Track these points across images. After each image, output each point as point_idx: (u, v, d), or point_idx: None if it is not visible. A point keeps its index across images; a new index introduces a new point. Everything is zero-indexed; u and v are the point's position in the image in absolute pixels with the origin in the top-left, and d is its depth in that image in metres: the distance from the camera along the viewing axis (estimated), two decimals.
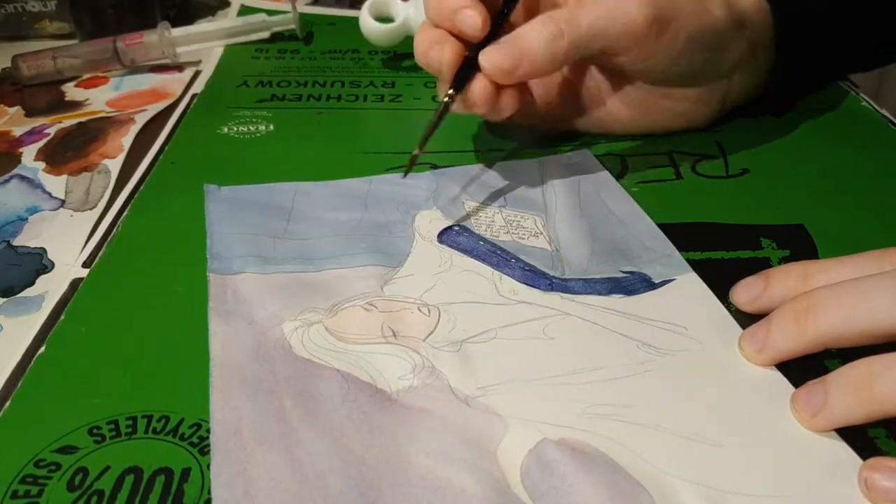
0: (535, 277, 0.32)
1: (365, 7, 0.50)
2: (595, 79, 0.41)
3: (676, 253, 0.33)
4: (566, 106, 0.41)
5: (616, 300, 0.31)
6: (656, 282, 0.32)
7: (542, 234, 0.35)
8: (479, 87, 0.34)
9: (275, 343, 0.28)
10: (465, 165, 0.40)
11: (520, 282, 0.32)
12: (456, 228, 0.35)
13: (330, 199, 0.37)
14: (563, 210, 0.36)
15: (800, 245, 0.34)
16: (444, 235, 0.35)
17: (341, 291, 0.31)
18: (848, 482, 0.23)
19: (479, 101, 0.35)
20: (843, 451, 0.24)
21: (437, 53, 0.35)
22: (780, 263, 0.33)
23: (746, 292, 0.30)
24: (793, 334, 0.27)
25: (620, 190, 0.38)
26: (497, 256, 0.33)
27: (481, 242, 0.34)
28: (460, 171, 0.40)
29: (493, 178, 0.39)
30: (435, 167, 0.40)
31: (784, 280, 0.29)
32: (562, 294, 0.31)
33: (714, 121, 0.43)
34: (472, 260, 0.33)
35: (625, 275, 0.32)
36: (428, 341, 0.29)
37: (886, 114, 0.45)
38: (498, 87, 0.35)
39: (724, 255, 0.34)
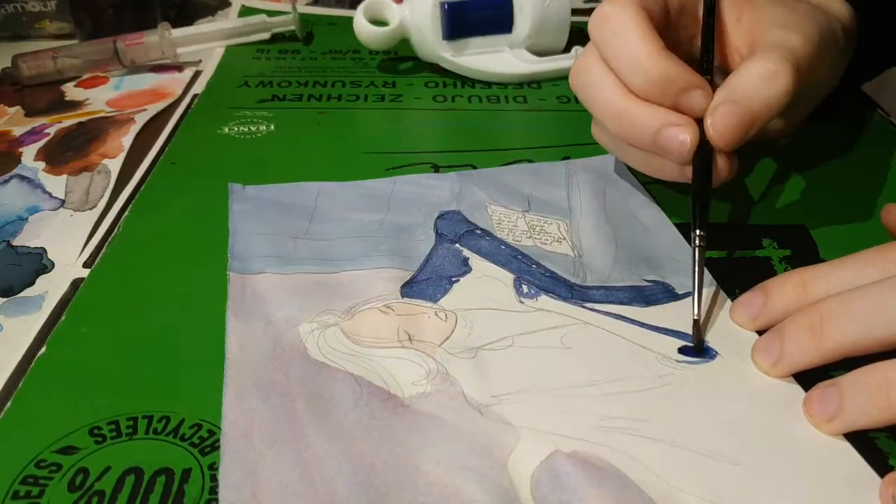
0: (555, 284, 0.32)
1: (359, 10, 0.50)
2: None
3: None
4: None
5: (637, 311, 0.30)
6: (679, 293, 0.31)
7: (565, 239, 0.34)
8: (723, 165, 0.32)
9: (290, 345, 0.28)
10: (490, 168, 0.40)
11: (540, 288, 0.31)
12: (478, 232, 0.35)
13: (353, 199, 0.37)
14: (587, 215, 0.36)
15: (801, 244, 0.34)
16: (466, 239, 0.34)
17: (359, 293, 0.31)
18: (868, 501, 0.23)
19: (725, 176, 0.32)
20: (864, 471, 0.24)
21: (675, 135, 0.31)
22: (781, 262, 0.33)
23: (746, 311, 0.29)
24: (809, 347, 0.26)
25: (647, 197, 0.37)
26: (518, 262, 0.33)
27: (503, 247, 0.34)
28: (485, 174, 0.39)
29: (517, 182, 0.39)
30: (436, 168, 0.40)
31: (781, 292, 0.29)
32: (582, 302, 0.31)
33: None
34: (493, 265, 0.33)
35: (647, 283, 0.32)
36: (443, 347, 0.28)
37: (887, 113, 0.45)
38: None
39: (725, 255, 0.33)
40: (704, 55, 0.35)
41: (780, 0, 0.35)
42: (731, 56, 0.35)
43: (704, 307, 0.30)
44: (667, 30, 0.34)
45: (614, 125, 0.33)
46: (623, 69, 0.32)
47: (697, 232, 0.30)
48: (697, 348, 0.28)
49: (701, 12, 0.36)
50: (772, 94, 0.31)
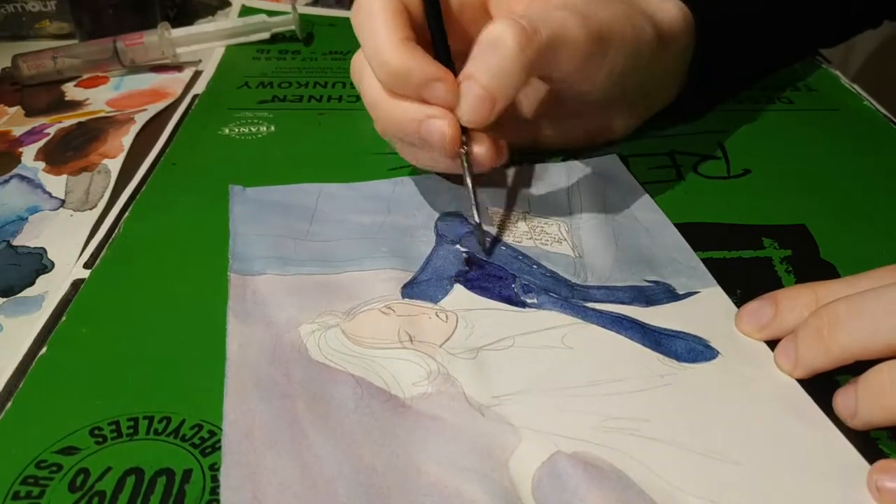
0: (556, 284, 0.32)
1: None
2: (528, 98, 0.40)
3: (702, 265, 0.33)
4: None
5: (638, 311, 0.30)
6: (680, 293, 0.31)
7: (565, 240, 0.34)
8: (481, 148, 0.32)
9: (291, 346, 0.28)
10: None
11: (541, 288, 0.31)
12: None
13: (354, 201, 0.37)
14: (587, 216, 0.36)
15: (801, 244, 0.34)
16: (467, 240, 0.34)
17: (360, 294, 0.31)
18: (868, 502, 0.23)
19: (488, 159, 0.33)
20: (865, 471, 0.24)
21: (435, 128, 0.31)
22: (781, 262, 0.33)
23: (755, 320, 0.29)
24: (819, 351, 0.26)
25: (647, 198, 0.37)
26: (519, 262, 0.33)
27: (503, 248, 0.34)
28: (485, 176, 0.39)
29: (518, 183, 0.39)
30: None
31: (793, 306, 0.28)
32: (583, 302, 0.31)
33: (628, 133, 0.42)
34: (493, 266, 0.33)
35: (648, 284, 0.32)
36: (444, 347, 0.28)
37: (887, 113, 0.45)
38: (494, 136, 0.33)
39: (725, 255, 0.33)
40: (436, 43, 0.33)
41: None
42: None
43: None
44: (451, 24, 0.34)
45: (379, 120, 0.33)
46: (369, 61, 0.32)
47: (463, 150, 0.32)
48: (486, 252, 0.33)
49: (486, 3, 0.35)
50: (498, 62, 0.30)
